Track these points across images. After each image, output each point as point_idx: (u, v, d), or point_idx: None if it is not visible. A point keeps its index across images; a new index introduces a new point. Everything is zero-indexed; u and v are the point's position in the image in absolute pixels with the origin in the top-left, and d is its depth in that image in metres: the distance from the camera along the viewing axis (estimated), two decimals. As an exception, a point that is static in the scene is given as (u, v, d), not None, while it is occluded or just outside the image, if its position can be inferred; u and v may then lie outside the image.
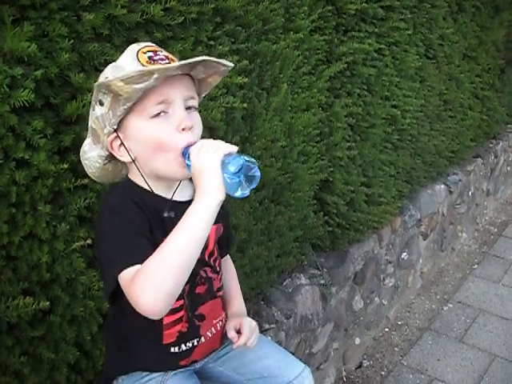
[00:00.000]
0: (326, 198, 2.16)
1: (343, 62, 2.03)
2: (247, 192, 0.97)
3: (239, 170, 0.95)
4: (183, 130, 1.03)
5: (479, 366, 2.74)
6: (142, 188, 1.10)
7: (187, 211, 0.96)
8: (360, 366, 2.74)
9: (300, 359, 1.39)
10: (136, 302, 0.92)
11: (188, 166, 1.01)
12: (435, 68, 2.90)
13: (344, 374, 2.65)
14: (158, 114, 1.03)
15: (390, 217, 2.60)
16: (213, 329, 1.27)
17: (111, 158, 1.10)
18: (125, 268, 0.96)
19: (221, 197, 0.96)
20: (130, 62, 1.02)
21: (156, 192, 1.11)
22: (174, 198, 1.13)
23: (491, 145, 4.08)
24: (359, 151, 2.26)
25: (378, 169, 2.43)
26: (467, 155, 3.61)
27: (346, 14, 2.03)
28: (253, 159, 0.97)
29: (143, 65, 1.00)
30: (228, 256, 1.41)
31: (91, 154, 1.09)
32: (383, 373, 2.69)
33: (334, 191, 2.17)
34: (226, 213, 1.30)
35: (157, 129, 1.03)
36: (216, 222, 1.03)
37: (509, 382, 2.63)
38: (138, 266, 0.95)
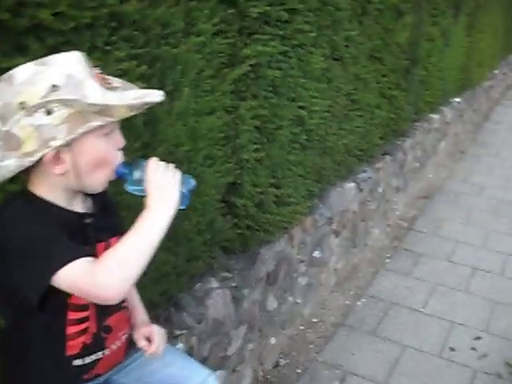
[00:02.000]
0: (235, 201, 2.19)
1: (247, 65, 2.07)
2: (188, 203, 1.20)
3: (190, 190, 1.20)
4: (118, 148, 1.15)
5: (391, 358, 2.88)
6: (44, 199, 1.11)
7: (148, 217, 1.09)
8: (277, 365, 2.80)
9: (212, 363, 1.41)
10: (101, 290, 1.02)
11: (129, 180, 1.17)
12: (342, 69, 3.00)
13: (261, 374, 2.70)
14: (108, 132, 1.10)
15: (300, 216, 2.68)
16: (118, 342, 1.28)
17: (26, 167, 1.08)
18: (65, 264, 1.01)
19: (175, 209, 1.13)
20: (87, 76, 1.04)
21: (60, 204, 1.14)
22: (77, 210, 1.18)
23: (399, 142, 4.27)
24: (267, 153, 2.31)
25: (286, 169, 2.49)
26: (376, 153, 3.77)
27: (248, 16, 2.06)
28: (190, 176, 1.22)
29: (103, 85, 1.06)
30: None
31: (5, 163, 1.04)
32: (299, 370, 2.77)
33: (243, 193, 2.21)
34: (123, 222, 1.32)
35: (105, 146, 1.11)
36: (114, 235, 1.17)
37: (418, 371, 2.79)
38: (85, 260, 1.03)
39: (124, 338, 1.30)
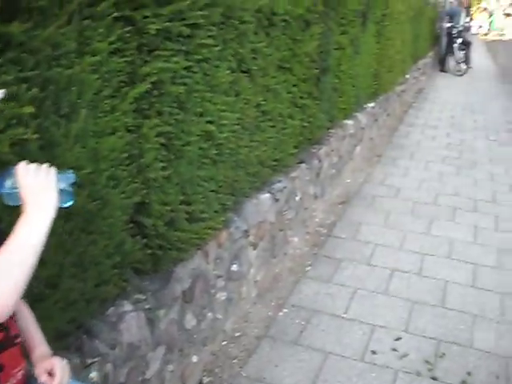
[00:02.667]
0: (143, 221, 2.17)
1: (148, 83, 2.05)
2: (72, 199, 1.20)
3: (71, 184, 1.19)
4: None
5: (314, 366, 2.92)
6: None
7: (26, 223, 1.08)
8: (200, 383, 2.78)
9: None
10: None
11: (2, 191, 1.13)
12: (250, 81, 3.04)
13: (184, 394, 2.67)
14: None
15: (214, 232, 2.68)
16: (13, 379, 1.23)
17: None
18: None
19: (55, 209, 1.13)
20: None
21: None
22: None
23: (315, 150, 4.36)
24: (175, 170, 2.30)
25: (197, 185, 2.49)
26: (291, 162, 3.83)
27: (147, 33, 2.05)
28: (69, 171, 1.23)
29: None
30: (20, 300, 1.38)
31: None
32: (223, 387, 2.76)
33: (151, 213, 2.19)
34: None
35: None
36: None
37: (341, 377, 2.84)
38: None
39: (20, 374, 1.24)
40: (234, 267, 2.99)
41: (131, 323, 2.12)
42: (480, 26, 40.10)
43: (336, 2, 4.56)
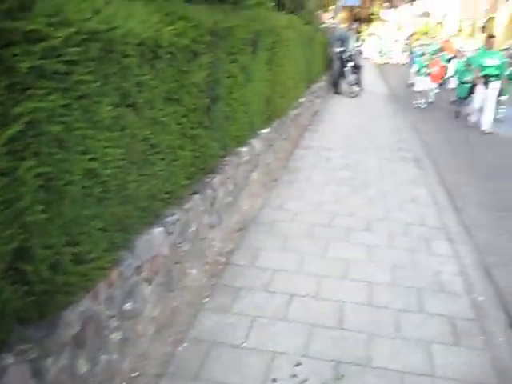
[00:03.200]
0: (24, 267, 2.09)
1: (22, 123, 2.00)
2: None
3: None
4: None
5: (214, 400, 2.91)
6: None
7: None
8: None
9: None
10: None
11: None
12: (136, 115, 3.03)
13: None
14: None
15: (104, 271, 2.63)
16: None
17: None
18: None
19: None
20: None
21: None
22: None
23: (208, 179, 4.39)
24: (57, 211, 2.24)
25: (82, 225, 2.43)
26: (184, 194, 3.84)
27: (18, 72, 2.00)
28: None
29: None
30: None
31: None
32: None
33: (33, 258, 2.11)
34: None
35: None
36: None
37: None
38: None
39: None
40: (128, 305, 2.94)
41: (14, 377, 2.03)
42: (370, 50, 42.31)
43: (225, 32, 4.66)
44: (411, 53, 22.44)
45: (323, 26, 18.73)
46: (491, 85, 11.30)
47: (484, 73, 11.32)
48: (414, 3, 46.10)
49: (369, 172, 7.41)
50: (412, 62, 20.46)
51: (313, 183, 6.71)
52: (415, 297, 4.04)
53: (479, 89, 11.50)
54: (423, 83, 14.71)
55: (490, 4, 53.35)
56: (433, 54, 16.55)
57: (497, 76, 11.32)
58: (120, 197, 2.82)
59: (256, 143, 6.11)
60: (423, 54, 15.88)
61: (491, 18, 44.35)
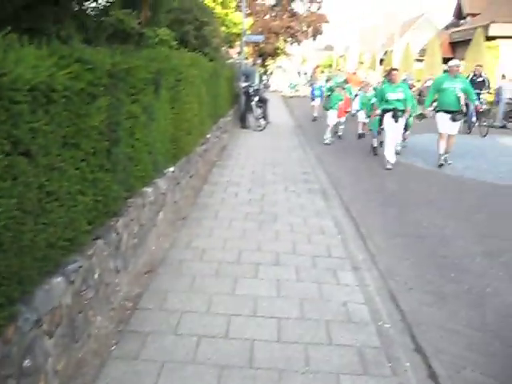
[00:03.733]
0: None
1: None
2: None
3: None
4: None
5: None
6: None
7: None
8: None
9: None
10: None
11: None
12: (30, 162, 2.96)
13: None
14: None
15: (-2, 328, 2.52)
16: None
17: None
18: None
19: None
20: None
21: None
22: None
23: (112, 223, 4.32)
24: None
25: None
26: (86, 239, 3.76)
27: None
28: None
29: None
30: None
31: None
32: None
33: None
34: None
35: None
36: None
37: None
38: None
39: None
40: (27, 362, 2.82)
41: None
42: (277, 84, 43.48)
43: (124, 73, 4.66)
44: (311, 86, 22.64)
45: (230, 61, 19.13)
46: (399, 120, 11.31)
47: (390, 107, 11.29)
48: (317, 37, 47.99)
49: (276, 205, 7.56)
50: (313, 96, 21.14)
51: (221, 219, 6.75)
52: (324, 329, 4.13)
53: (386, 122, 11.41)
54: (333, 117, 14.70)
55: (386, 38, 56.49)
56: (337, 87, 17.04)
57: (402, 111, 11.32)
58: (15, 248, 2.74)
59: (161, 182, 6.09)
60: (331, 90, 15.82)
61: (389, 52, 46.93)
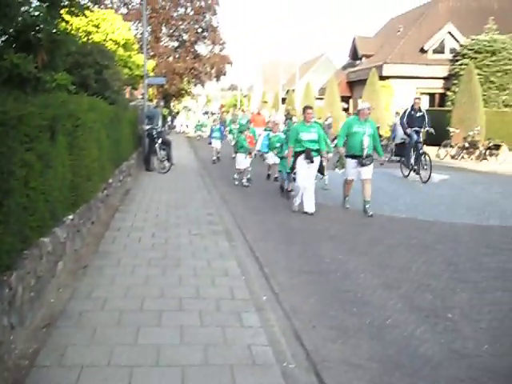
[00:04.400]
0: None
1: None
2: None
3: None
4: None
5: None
6: None
7: None
8: None
9: None
10: None
11: None
12: None
13: None
14: None
15: None
16: None
17: None
18: None
19: None
20: None
21: None
22: None
23: (5, 278, 4.14)
24: None
25: None
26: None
27: None
28: None
29: None
30: None
31: None
32: None
33: None
34: None
35: None
36: None
37: None
38: None
39: None
40: None
41: None
42: (186, 126, 43.62)
43: (16, 121, 4.55)
44: (211, 128, 22.18)
45: (133, 103, 19.05)
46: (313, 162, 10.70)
47: (303, 148, 10.65)
48: (221, 78, 48.85)
49: (180, 249, 7.51)
50: (212, 138, 20.98)
51: (123, 266, 6.61)
52: (228, 374, 4.10)
53: (299, 164, 10.76)
54: (242, 160, 14.53)
55: (287, 79, 58.48)
56: (242, 126, 17.21)
57: (317, 151, 10.71)
58: None
59: (60, 231, 5.92)
60: (241, 131, 15.50)
61: (291, 91, 48.51)
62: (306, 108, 11.08)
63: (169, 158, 16.38)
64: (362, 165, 10.79)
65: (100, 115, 9.29)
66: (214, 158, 20.55)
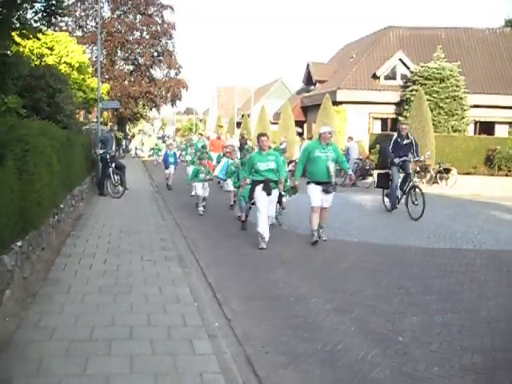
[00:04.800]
0: None
1: None
2: None
3: None
4: None
5: None
6: None
7: None
8: None
9: None
10: None
11: None
12: None
13: None
14: None
15: None
16: None
17: None
18: None
19: None
20: None
21: None
22: None
23: None
24: None
25: None
26: None
27: None
28: None
29: None
30: None
31: None
32: None
33: None
34: None
35: None
36: None
37: None
38: None
39: None
40: None
41: None
42: (142, 150, 43.24)
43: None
44: (166, 153, 21.64)
45: (86, 127, 18.87)
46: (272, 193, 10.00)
47: (261, 178, 9.95)
48: (177, 102, 48.89)
49: (132, 276, 7.40)
50: (167, 164, 20.47)
51: (73, 294, 6.47)
52: (179, 403, 4.07)
53: (257, 195, 10.02)
54: (199, 188, 14.24)
55: (242, 103, 58.99)
56: (198, 151, 17.13)
57: (274, 182, 10.02)
58: None
59: (7, 259, 5.78)
60: (201, 158, 14.79)
61: (246, 115, 48.90)
62: (259, 136, 10.26)
63: (122, 183, 16.23)
64: (327, 192, 10.35)
65: (51, 139, 9.16)
66: (170, 182, 20.39)
